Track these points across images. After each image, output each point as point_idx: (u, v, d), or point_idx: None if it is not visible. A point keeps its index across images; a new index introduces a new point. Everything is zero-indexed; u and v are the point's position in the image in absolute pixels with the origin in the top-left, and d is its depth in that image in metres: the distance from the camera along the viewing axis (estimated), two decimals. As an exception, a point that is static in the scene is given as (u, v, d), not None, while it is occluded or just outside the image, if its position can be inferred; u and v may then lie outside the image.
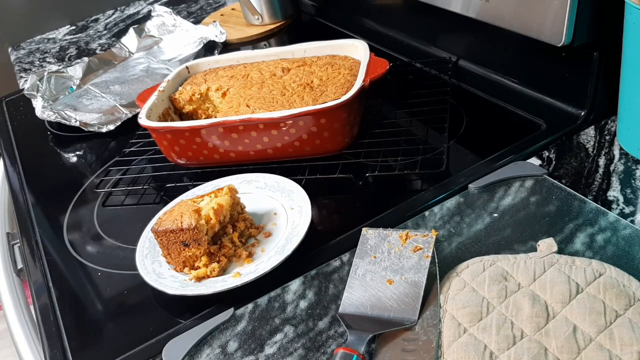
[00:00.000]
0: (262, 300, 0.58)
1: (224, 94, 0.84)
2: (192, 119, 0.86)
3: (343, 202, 0.72)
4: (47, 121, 1.04)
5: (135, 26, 1.27)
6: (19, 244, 0.83)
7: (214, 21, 1.23)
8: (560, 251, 0.55)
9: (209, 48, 1.20)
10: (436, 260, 0.55)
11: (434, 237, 0.57)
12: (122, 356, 0.57)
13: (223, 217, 0.65)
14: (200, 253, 0.62)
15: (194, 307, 0.60)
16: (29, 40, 1.50)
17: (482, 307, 0.50)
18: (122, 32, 1.35)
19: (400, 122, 0.82)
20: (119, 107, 1.02)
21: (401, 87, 0.89)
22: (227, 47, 1.21)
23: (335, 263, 0.60)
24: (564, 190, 0.62)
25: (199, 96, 0.85)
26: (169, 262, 0.64)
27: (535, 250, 0.56)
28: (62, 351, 0.59)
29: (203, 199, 0.66)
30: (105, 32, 1.45)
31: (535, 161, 0.68)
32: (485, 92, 0.84)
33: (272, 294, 0.58)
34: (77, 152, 0.95)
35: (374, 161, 0.74)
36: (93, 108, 1.04)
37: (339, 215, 0.70)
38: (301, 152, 0.75)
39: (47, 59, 1.36)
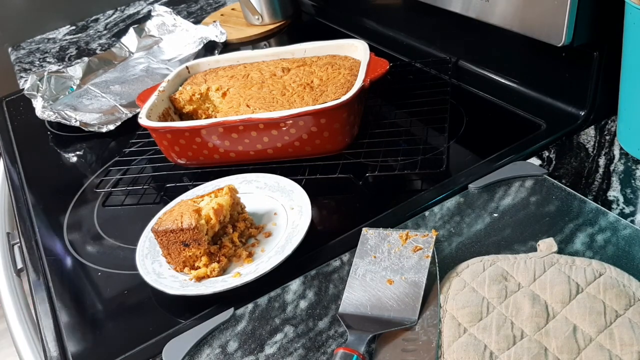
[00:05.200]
0: (262, 300, 0.58)
1: (224, 94, 0.84)
2: (192, 119, 0.86)
3: (343, 202, 0.72)
4: (47, 121, 1.04)
5: (135, 26, 1.27)
6: (19, 244, 0.83)
7: (214, 21, 1.23)
8: (560, 251, 0.55)
9: (209, 48, 1.20)
10: (436, 260, 0.55)
11: (434, 237, 0.57)
12: (122, 356, 0.57)
13: (223, 217, 0.65)
14: (200, 253, 0.62)
15: (194, 307, 0.60)
16: (29, 40, 1.50)
17: (482, 307, 0.50)
18: (122, 32, 1.35)
19: (400, 122, 0.82)
20: (119, 107, 1.02)
21: (401, 87, 0.89)
22: (227, 47, 1.21)
23: (335, 263, 0.60)
24: (564, 190, 0.62)
25: (199, 96, 0.85)
26: (169, 262, 0.64)
27: (535, 250, 0.56)
28: (62, 351, 0.60)
29: (203, 199, 0.66)
30: (105, 32, 1.45)
31: (535, 161, 0.68)
32: (485, 92, 0.84)
33: (272, 294, 0.58)
34: (77, 152, 0.95)
35: (374, 161, 0.74)
36: (93, 108, 1.04)
37: (339, 215, 0.70)
38: (301, 152, 0.75)
39: (47, 59, 1.36)
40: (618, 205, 0.60)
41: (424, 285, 0.53)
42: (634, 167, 0.64)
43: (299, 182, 0.71)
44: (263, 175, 0.74)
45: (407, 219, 0.64)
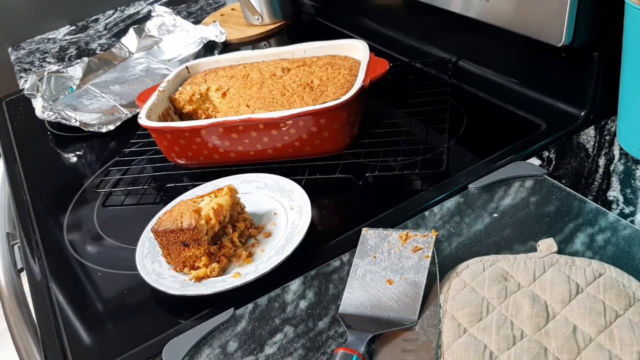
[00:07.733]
0: (262, 300, 0.58)
1: (224, 94, 0.84)
2: (192, 119, 0.86)
3: (343, 202, 0.72)
4: (47, 121, 1.04)
5: (135, 26, 1.27)
6: (19, 244, 0.83)
7: (214, 21, 1.23)
8: (560, 251, 0.55)
9: (209, 48, 1.20)
10: (436, 260, 0.55)
11: (434, 237, 0.57)
12: (122, 356, 0.57)
13: (223, 217, 0.65)
14: (200, 253, 0.62)
15: (194, 307, 0.60)
16: (29, 40, 1.50)
17: (482, 307, 0.50)
18: (122, 32, 1.35)
19: (400, 122, 0.82)
20: (119, 107, 1.02)
21: (401, 87, 0.89)
22: (227, 47, 1.21)
23: (335, 263, 0.60)
24: (564, 191, 0.62)
25: (199, 96, 0.85)
26: (169, 262, 0.64)
27: (535, 250, 0.56)
28: (62, 351, 0.60)
29: (203, 199, 0.66)
30: (105, 32, 1.45)
31: (535, 161, 0.68)
32: (485, 92, 0.84)
33: (272, 294, 0.58)
34: (77, 152, 0.95)
35: (374, 161, 0.74)
36: (93, 108, 1.04)
37: (339, 215, 0.70)
38: (301, 152, 0.75)
39: (47, 59, 1.36)
40: (618, 205, 0.60)
41: (423, 285, 0.53)
42: (633, 167, 0.64)
43: (298, 182, 0.71)
44: (263, 175, 0.74)
45: (407, 219, 0.64)
